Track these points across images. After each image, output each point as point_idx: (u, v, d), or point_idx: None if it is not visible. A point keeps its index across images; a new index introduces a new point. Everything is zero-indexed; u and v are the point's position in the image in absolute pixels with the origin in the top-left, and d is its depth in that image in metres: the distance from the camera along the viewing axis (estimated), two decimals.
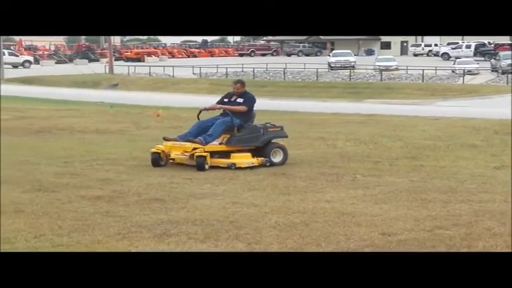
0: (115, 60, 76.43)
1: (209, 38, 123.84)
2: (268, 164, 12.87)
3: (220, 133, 13.02)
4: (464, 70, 61.59)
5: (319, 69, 65.49)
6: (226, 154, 12.90)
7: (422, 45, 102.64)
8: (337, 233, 7.96)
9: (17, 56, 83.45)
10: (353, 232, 7.99)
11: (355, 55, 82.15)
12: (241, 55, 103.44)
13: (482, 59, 76.71)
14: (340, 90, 53.28)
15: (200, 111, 13.57)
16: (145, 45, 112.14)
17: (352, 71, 67.36)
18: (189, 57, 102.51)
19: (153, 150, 12.95)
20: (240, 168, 12.48)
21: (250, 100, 13.51)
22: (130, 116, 25.06)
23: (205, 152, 12.57)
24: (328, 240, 7.65)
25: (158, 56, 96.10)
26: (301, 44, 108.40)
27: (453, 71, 64.55)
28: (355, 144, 16.68)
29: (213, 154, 12.77)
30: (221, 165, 12.59)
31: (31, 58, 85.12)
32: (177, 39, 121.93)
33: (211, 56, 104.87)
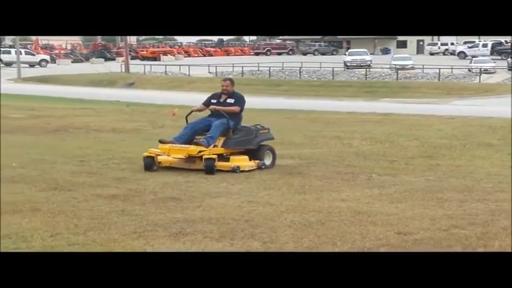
0: (131, 59, 76.58)
1: (225, 37, 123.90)
2: (263, 167, 12.49)
3: (219, 135, 12.54)
4: (480, 69, 61.30)
5: (335, 68, 65.33)
6: (222, 157, 12.40)
7: (439, 44, 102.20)
8: (353, 232, 7.95)
9: (34, 55, 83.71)
10: (369, 231, 7.98)
11: (371, 54, 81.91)
12: (257, 54, 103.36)
13: (499, 57, 76.32)
14: (356, 89, 53.17)
15: (191, 112, 13.12)
16: (161, 44, 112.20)
17: (368, 70, 67.16)
18: (204, 56, 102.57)
19: (146, 154, 12.35)
20: (243, 171, 12.06)
21: (241, 100, 13.03)
22: (146, 115, 25.10)
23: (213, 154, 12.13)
24: (344, 239, 7.64)
25: (174, 55, 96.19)
26: (317, 43, 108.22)
27: (469, 70, 64.25)
28: (371, 143, 16.66)
29: None
30: (223, 169, 12.07)
31: (47, 57, 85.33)
32: (193, 38, 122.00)
33: (227, 55, 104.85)
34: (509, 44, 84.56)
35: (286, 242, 7.49)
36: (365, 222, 8.41)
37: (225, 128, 12.55)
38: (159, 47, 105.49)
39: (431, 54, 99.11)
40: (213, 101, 13.08)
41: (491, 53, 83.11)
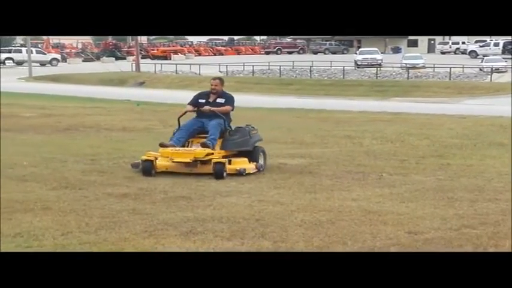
0: (141, 58, 76.59)
1: (235, 36, 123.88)
2: (261, 169, 12.04)
3: (218, 136, 12.03)
4: (492, 68, 61.14)
5: (345, 67, 65.27)
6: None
7: (450, 43, 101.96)
8: (363, 231, 7.95)
9: (45, 54, 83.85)
10: (379, 231, 7.97)
11: (382, 53, 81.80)
12: (267, 53, 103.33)
13: (510, 56, 76.09)
14: (366, 88, 53.07)
15: (184, 113, 12.56)
16: (172, 43, 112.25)
17: (378, 69, 67.07)
18: (215, 55, 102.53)
19: (145, 157, 11.69)
20: (248, 174, 11.65)
21: (231, 100, 12.61)
22: (156, 114, 25.12)
23: (222, 157, 11.69)
24: (354, 238, 7.64)
25: (185, 54, 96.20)
26: (328, 42, 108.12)
27: (481, 69, 64.09)
28: (382, 142, 16.64)
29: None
30: (228, 172, 11.49)
31: (58, 56, 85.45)
32: (204, 37, 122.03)
33: (238, 54, 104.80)
34: None
35: (297, 241, 7.50)
36: (375, 222, 8.41)
37: (221, 129, 12.09)
38: (169, 46, 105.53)
39: (443, 53, 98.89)
40: (201, 100, 12.56)
41: (503, 52, 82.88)
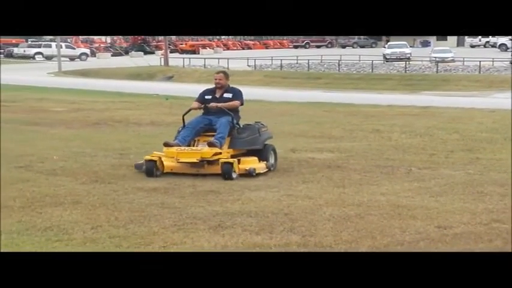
0: (170, 52, 76.68)
1: None
2: (272, 168, 11.54)
3: (227, 134, 11.40)
4: None
5: (374, 61, 64.99)
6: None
7: (479, 37, 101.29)
8: (392, 225, 7.94)
9: (74, 48, 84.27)
10: (408, 225, 7.96)
11: (410, 47, 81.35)
12: (295, 47, 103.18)
13: None
14: (395, 82, 52.78)
15: (189, 111, 11.99)
16: (200, 38, 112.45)
17: (407, 62, 66.71)
18: (243, 49, 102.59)
19: (148, 157, 11.15)
20: (259, 174, 11.12)
21: (240, 94, 11.90)
22: (185, 108, 25.09)
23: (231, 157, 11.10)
24: (384, 233, 7.63)
25: (213, 48, 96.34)
26: (356, 36, 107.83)
27: (511, 63, 63.59)
28: (411, 136, 16.57)
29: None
30: (238, 172, 10.94)
31: (88, 51, 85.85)
32: None
33: (266, 48, 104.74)
34: None
35: (326, 236, 7.50)
36: (405, 216, 8.39)
37: (230, 127, 11.44)
38: (198, 40, 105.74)
39: (472, 46, 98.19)
40: (207, 97, 11.91)
41: None
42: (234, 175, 10.82)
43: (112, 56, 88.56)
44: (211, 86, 12.22)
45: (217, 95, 11.88)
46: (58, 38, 69.87)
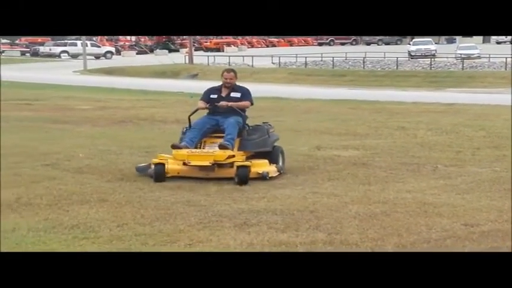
0: (195, 50, 76.88)
1: None
2: (282, 171, 10.94)
3: (236, 135, 10.78)
4: None
5: (399, 58, 64.77)
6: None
7: None
8: (419, 223, 7.91)
9: (99, 47, 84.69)
10: (435, 222, 7.92)
11: (435, 43, 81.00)
12: (320, 44, 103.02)
13: None
14: (420, 79, 52.60)
15: (195, 111, 11.40)
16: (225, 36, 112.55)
17: (432, 59, 66.44)
18: (268, 46, 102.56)
19: (157, 160, 10.61)
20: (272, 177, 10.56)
21: (249, 93, 11.40)
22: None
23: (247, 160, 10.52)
24: (410, 230, 7.60)
25: (237, 46, 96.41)
26: None
27: None
28: (436, 133, 16.50)
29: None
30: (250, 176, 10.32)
31: (113, 49, 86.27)
32: None
33: (291, 45, 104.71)
34: None
35: (351, 233, 7.48)
36: (431, 214, 8.36)
37: (239, 127, 10.84)
38: (222, 38, 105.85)
39: (498, 43, 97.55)
40: (212, 96, 11.36)
41: None
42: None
43: (137, 54, 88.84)
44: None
45: (224, 94, 11.34)
46: (83, 36, 70.23)
